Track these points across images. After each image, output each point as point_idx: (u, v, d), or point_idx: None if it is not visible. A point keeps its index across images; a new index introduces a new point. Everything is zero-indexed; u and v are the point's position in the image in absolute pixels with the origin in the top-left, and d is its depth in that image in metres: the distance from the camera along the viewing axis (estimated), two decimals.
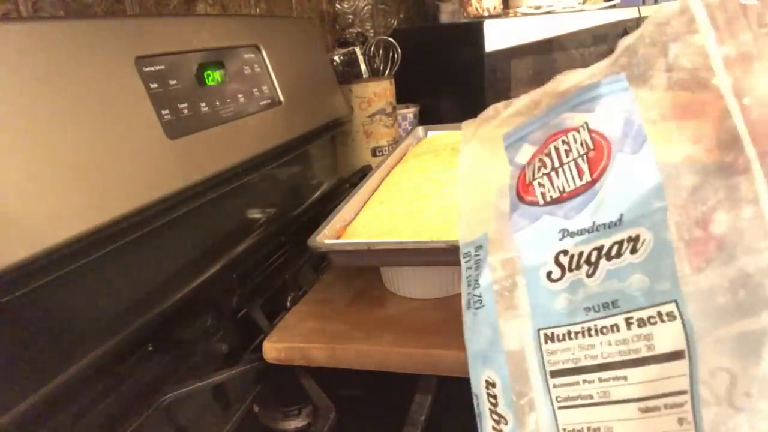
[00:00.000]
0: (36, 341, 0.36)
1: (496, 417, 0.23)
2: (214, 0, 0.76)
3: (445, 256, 0.37)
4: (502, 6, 1.20)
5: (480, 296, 0.25)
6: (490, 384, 0.24)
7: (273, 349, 0.41)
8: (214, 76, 0.54)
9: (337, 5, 1.07)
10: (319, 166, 0.80)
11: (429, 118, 1.00)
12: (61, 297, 0.38)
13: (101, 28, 0.43)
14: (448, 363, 0.37)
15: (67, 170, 0.37)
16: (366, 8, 1.15)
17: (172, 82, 0.48)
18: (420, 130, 0.71)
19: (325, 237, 0.41)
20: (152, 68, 0.46)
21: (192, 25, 0.54)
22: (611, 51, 0.27)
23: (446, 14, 1.26)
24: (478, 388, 0.24)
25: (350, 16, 1.10)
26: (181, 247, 0.50)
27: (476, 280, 0.26)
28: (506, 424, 0.23)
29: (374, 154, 0.91)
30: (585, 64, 0.28)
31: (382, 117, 0.90)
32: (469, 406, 0.25)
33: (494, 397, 0.23)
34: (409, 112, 1.01)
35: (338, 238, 0.42)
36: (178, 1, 0.69)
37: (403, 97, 0.97)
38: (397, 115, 0.94)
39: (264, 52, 0.63)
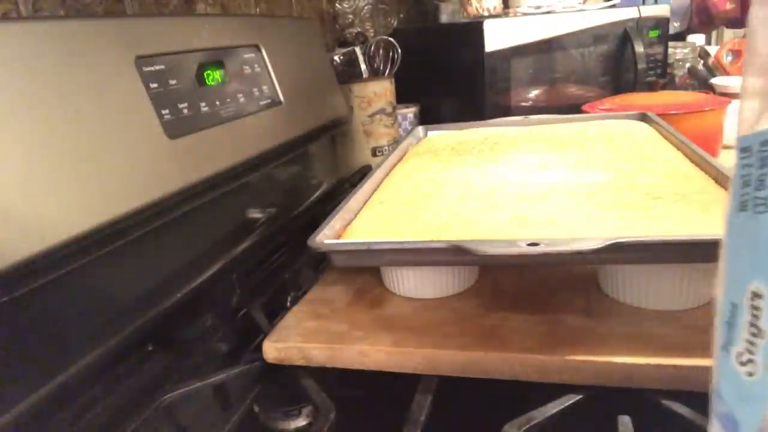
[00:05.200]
0: (36, 341, 0.36)
1: (754, 330, 0.21)
2: (214, 0, 0.76)
3: (445, 256, 0.37)
4: (502, 6, 1.20)
5: (766, 198, 0.22)
6: (756, 295, 0.22)
7: (273, 349, 0.41)
8: (214, 76, 0.54)
9: (337, 5, 1.07)
10: (319, 166, 0.80)
11: (429, 118, 1.00)
12: (61, 297, 0.38)
13: (101, 28, 0.43)
14: (448, 363, 0.37)
15: (67, 170, 0.37)
16: (366, 8, 1.15)
17: (172, 82, 0.48)
18: (420, 130, 0.71)
19: (325, 237, 0.41)
20: (152, 68, 0.46)
21: (192, 25, 0.54)
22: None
23: (446, 14, 1.26)
24: (738, 297, 0.22)
25: (350, 16, 1.10)
26: (181, 247, 0.50)
27: (761, 179, 0.22)
28: (763, 338, 0.21)
29: (374, 154, 0.91)
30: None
31: (382, 117, 0.90)
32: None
33: (757, 309, 0.22)
34: (409, 112, 1.01)
35: (338, 238, 0.42)
36: (178, 1, 0.69)
37: (403, 97, 0.97)
38: (397, 115, 0.94)
39: (264, 52, 0.63)
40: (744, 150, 0.23)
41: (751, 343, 0.21)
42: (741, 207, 0.23)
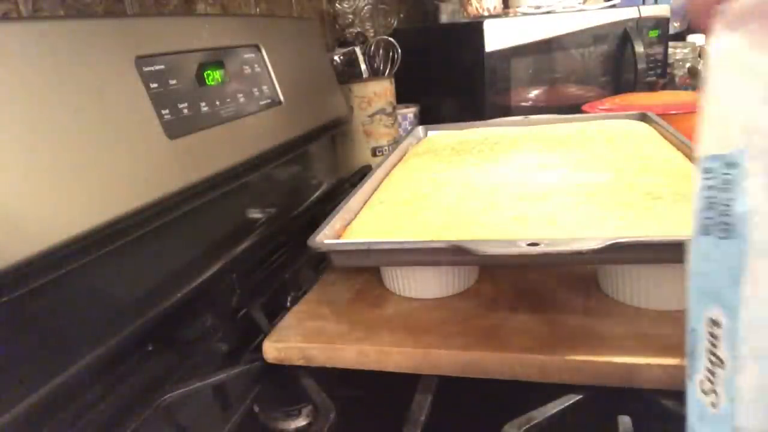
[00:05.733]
0: (36, 341, 0.36)
1: (713, 358, 0.21)
2: (214, 0, 0.76)
3: (445, 256, 0.37)
4: (502, 6, 1.20)
5: (729, 224, 0.21)
6: (714, 323, 0.21)
7: (273, 349, 0.41)
8: (214, 76, 0.54)
9: (337, 5, 1.07)
10: (319, 166, 0.80)
11: (429, 118, 1.00)
12: (61, 297, 0.38)
13: (101, 28, 0.43)
14: (448, 363, 0.37)
15: (67, 170, 0.37)
16: (366, 8, 1.15)
17: (172, 82, 0.48)
18: (420, 130, 0.71)
19: (325, 237, 0.41)
20: (152, 68, 0.46)
21: (192, 25, 0.54)
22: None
23: (446, 14, 1.26)
24: (698, 322, 0.22)
25: (350, 16, 1.10)
26: (181, 247, 0.50)
27: (726, 204, 0.21)
28: (722, 368, 0.21)
29: (374, 154, 0.91)
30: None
31: (382, 117, 0.90)
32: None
33: (715, 337, 0.21)
34: (409, 112, 1.01)
35: (338, 238, 0.42)
36: (178, 1, 0.69)
37: (403, 97, 0.97)
38: (397, 115, 0.94)
39: (264, 52, 0.63)
40: (707, 171, 0.23)
41: (712, 373, 0.21)
42: (703, 231, 0.22)
